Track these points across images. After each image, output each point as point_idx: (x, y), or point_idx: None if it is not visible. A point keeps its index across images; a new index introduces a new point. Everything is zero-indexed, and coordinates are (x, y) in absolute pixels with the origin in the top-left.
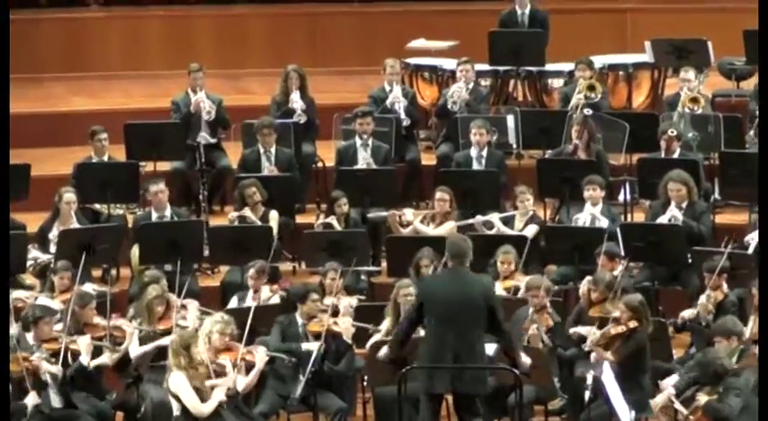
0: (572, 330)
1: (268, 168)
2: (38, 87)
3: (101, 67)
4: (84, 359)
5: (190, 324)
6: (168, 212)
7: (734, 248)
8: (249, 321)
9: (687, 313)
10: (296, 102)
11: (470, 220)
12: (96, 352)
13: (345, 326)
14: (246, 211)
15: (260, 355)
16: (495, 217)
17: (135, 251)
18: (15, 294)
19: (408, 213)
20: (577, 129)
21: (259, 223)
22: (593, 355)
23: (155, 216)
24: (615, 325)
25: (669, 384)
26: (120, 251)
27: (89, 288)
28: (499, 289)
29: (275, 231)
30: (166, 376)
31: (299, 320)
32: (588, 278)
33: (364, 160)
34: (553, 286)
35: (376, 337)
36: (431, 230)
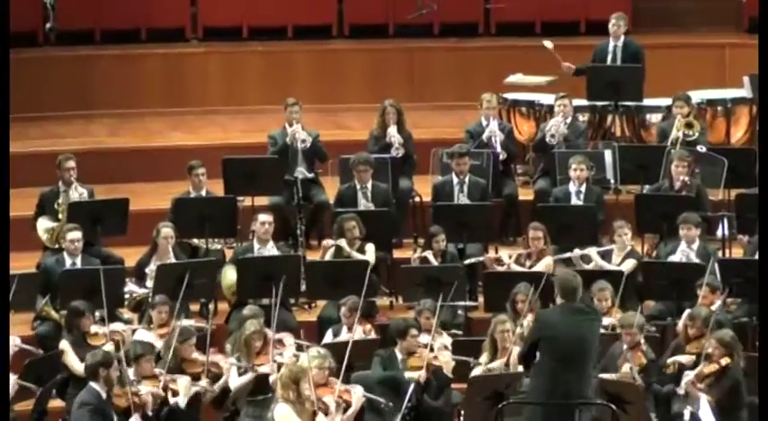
0: (670, 360)
1: (365, 204)
2: (138, 122)
3: (200, 103)
4: (182, 400)
5: (286, 359)
6: (271, 245)
7: None
8: (347, 356)
9: None
10: (393, 136)
11: (568, 254)
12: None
13: (446, 359)
14: (342, 242)
15: (357, 396)
16: (593, 251)
17: (226, 273)
18: (113, 326)
19: (504, 256)
20: (687, 165)
21: (355, 255)
22: (688, 391)
23: (257, 248)
24: (708, 364)
25: None
26: (218, 286)
27: (188, 323)
28: None
29: (372, 262)
30: (272, 407)
31: (399, 355)
32: (687, 312)
33: (461, 201)
34: (646, 323)
35: (477, 370)
36: (526, 270)
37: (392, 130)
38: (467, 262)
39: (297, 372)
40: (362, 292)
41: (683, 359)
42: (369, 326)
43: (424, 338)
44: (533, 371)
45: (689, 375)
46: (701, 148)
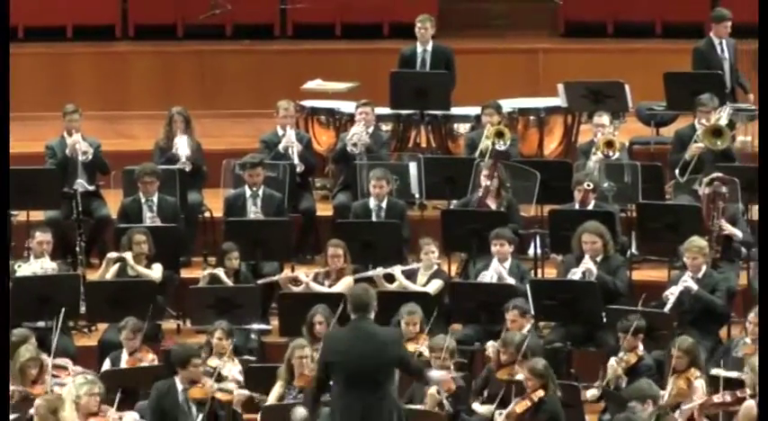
0: (473, 406)
1: (150, 217)
2: None
3: None
4: None
5: (66, 388)
6: (47, 263)
7: (651, 307)
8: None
9: (590, 394)
10: (180, 147)
11: (369, 272)
12: None
13: (234, 394)
14: (128, 255)
15: None
16: (396, 269)
17: None
18: None
19: (301, 275)
20: (489, 167)
21: (141, 270)
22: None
23: (34, 264)
24: (520, 400)
25: None
26: None
27: None
28: None
29: (158, 281)
30: None
31: (180, 386)
32: (492, 342)
33: (255, 214)
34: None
35: (268, 402)
36: (326, 289)
37: (179, 141)
38: (261, 281)
39: (53, 402)
40: (147, 315)
41: (482, 409)
42: (151, 356)
43: (214, 361)
44: (330, 400)
45: (501, 414)
46: (502, 146)
